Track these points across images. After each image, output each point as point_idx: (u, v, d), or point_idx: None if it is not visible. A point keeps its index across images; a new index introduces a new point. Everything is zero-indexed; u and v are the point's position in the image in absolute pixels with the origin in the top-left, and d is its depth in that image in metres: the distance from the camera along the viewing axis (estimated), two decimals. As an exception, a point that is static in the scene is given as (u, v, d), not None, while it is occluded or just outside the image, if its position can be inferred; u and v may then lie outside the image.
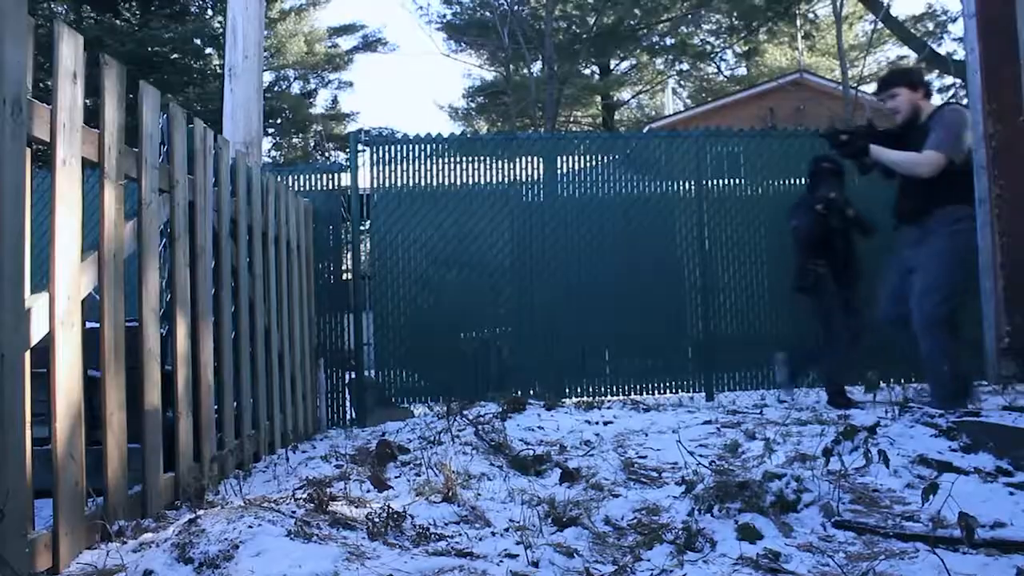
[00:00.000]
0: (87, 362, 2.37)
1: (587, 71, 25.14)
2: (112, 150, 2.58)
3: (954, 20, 19.66)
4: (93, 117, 2.43)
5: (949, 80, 19.67)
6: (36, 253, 2.16)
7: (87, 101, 2.44)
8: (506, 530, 2.41)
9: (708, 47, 25.80)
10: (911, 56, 19.83)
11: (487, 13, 23.20)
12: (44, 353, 2.18)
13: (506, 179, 6.58)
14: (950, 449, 3.15)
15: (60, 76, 2.27)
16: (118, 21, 16.84)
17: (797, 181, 6.62)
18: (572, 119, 25.95)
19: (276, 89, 23.80)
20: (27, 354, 2.05)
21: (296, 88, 25.72)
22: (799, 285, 5.79)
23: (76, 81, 2.35)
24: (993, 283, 5.20)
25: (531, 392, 6.09)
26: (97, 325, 2.52)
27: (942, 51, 17.96)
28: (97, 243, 2.53)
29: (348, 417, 6.19)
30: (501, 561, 2.12)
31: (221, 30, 14.96)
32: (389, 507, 2.45)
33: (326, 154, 25.00)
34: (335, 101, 27.52)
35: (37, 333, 2.12)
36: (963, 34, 4.98)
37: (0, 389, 1.91)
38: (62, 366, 2.22)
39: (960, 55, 15.87)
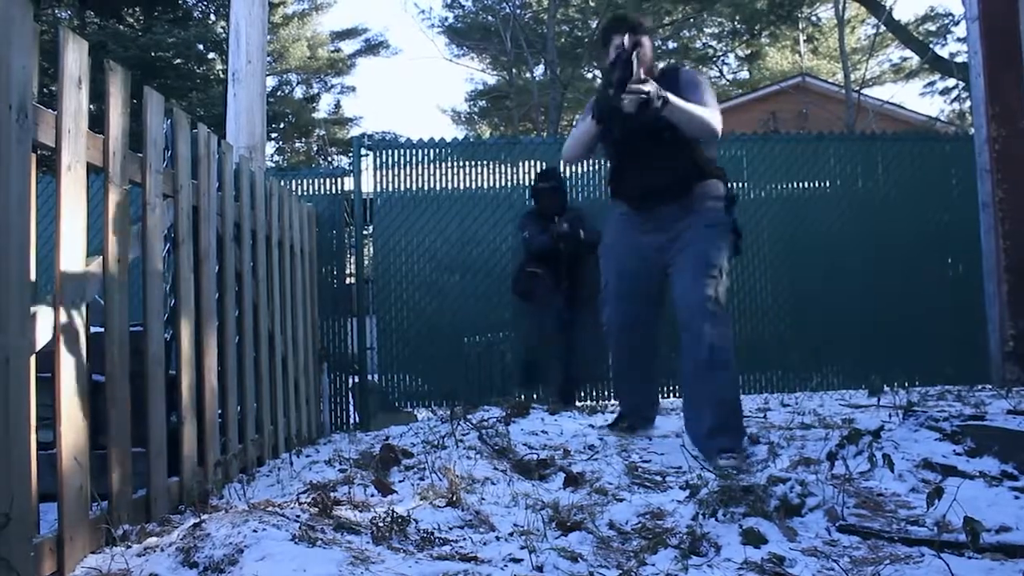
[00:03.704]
0: (91, 367, 2.38)
1: (589, 75, 25.15)
2: (116, 155, 2.59)
3: (956, 23, 19.64)
4: (97, 122, 2.43)
5: (951, 83, 19.70)
6: (41, 258, 2.16)
7: (91, 106, 2.45)
8: (510, 534, 2.41)
9: (710, 51, 25.85)
10: (913, 59, 19.84)
11: (489, 17, 23.26)
12: (49, 358, 2.18)
13: (509, 183, 6.60)
14: (955, 453, 3.14)
15: (65, 82, 2.28)
16: (121, 26, 16.86)
17: (800, 185, 6.63)
18: (574, 123, 25.97)
19: (279, 94, 23.84)
20: (32, 358, 2.05)
21: (299, 92, 25.78)
22: (515, 289, 5.93)
23: (81, 87, 2.36)
24: (997, 287, 5.20)
25: (535, 396, 6.09)
26: (102, 330, 2.52)
27: (944, 53, 17.95)
28: (101, 248, 2.53)
29: (351, 421, 6.20)
30: (505, 565, 2.12)
31: (224, 35, 15.01)
32: (393, 511, 2.45)
33: (329, 158, 25.04)
34: (338, 105, 27.61)
35: (42, 338, 2.13)
36: (966, 37, 4.98)
37: (5, 393, 1.91)
38: (67, 371, 2.23)
39: (962, 57, 15.89)
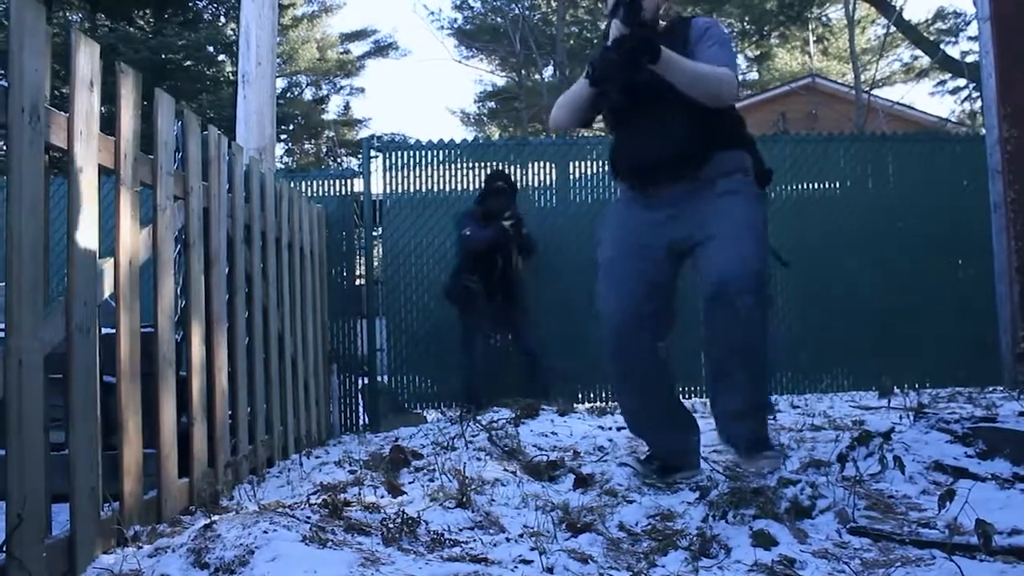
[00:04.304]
0: (103, 368, 2.39)
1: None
2: (128, 157, 2.60)
3: (968, 23, 19.57)
4: (108, 124, 2.44)
5: (961, 82, 19.62)
6: (53, 259, 2.18)
7: (103, 108, 2.46)
8: (520, 536, 2.41)
9: (720, 51, 25.72)
10: (924, 59, 19.76)
11: (498, 19, 23.26)
12: (60, 359, 2.19)
13: (518, 184, 6.59)
14: (966, 455, 3.13)
15: (77, 84, 2.29)
16: (132, 29, 16.93)
17: (809, 186, 6.61)
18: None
19: (288, 95, 23.89)
20: (44, 360, 2.06)
21: (308, 94, 25.83)
22: (448, 296, 6.02)
23: (93, 89, 2.37)
24: (1008, 288, 5.18)
25: (544, 398, 6.08)
26: (113, 331, 2.53)
27: (954, 53, 17.87)
28: (113, 249, 2.54)
29: (361, 423, 6.20)
30: (516, 567, 2.12)
31: (234, 37, 15.05)
32: (403, 512, 2.45)
33: (338, 160, 25.09)
34: (347, 107, 27.65)
35: (54, 339, 2.14)
36: (978, 37, 4.96)
37: (19, 394, 1.92)
38: (78, 372, 2.24)
39: (972, 57, 15.82)
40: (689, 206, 2.99)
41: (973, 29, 17.67)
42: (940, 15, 21.21)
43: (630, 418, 3.31)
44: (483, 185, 6.19)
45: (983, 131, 5.83)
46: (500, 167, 6.46)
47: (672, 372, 3.20)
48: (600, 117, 3.34)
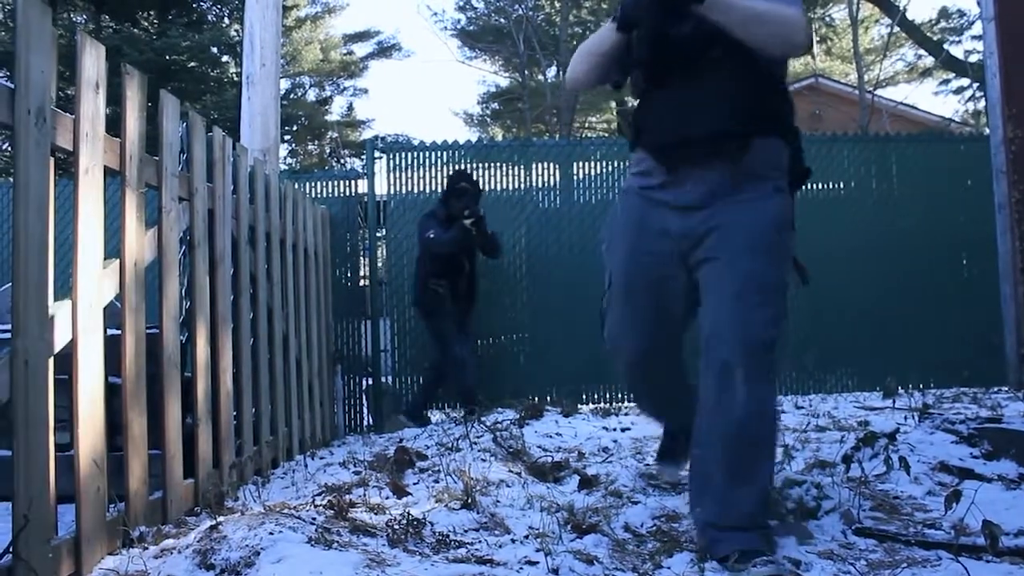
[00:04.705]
0: (108, 369, 2.39)
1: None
2: (133, 159, 2.60)
3: (971, 23, 19.54)
4: (113, 126, 2.45)
5: (965, 82, 19.59)
6: (58, 260, 2.18)
7: (108, 110, 2.46)
8: (526, 537, 2.41)
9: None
10: (927, 59, 19.73)
11: (502, 19, 23.26)
12: (66, 360, 2.20)
13: (522, 185, 6.60)
14: (971, 456, 3.13)
15: (83, 86, 2.29)
16: (136, 30, 16.96)
17: (813, 186, 6.59)
18: (587, 125, 25.94)
19: (292, 96, 23.92)
20: (51, 361, 2.07)
21: (312, 95, 25.84)
22: (419, 304, 5.90)
23: (98, 91, 2.37)
24: (1013, 288, 5.17)
25: (548, 398, 6.09)
26: (118, 332, 2.54)
27: (958, 53, 17.84)
28: (118, 251, 2.55)
29: (365, 423, 6.20)
30: (521, 568, 2.12)
31: (238, 38, 15.07)
32: (409, 514, 2.45)
33: (342, 161, 25.10)
34: (350, 108, 27.66)
35: (60, 340, 2.14)
36: (982, 37, 4.95)
37: (25, 395, 1.92)
38: (84, 373, 2.24)
39: (976, 57, 15.80)
40: (708, 210, 2.36)
41: (977, 29, 17.64)
42: (944, 15, 21.17)
43: (648, 406, 3.02)
44: (449, 183, 5.98)
45: (987, 131, 5.82)
46: (465, 167, 6.39)
47: (686, 385, 2.62)
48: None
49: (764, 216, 2.36)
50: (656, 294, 2.48)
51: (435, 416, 6.08)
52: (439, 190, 6.37)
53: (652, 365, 2.60)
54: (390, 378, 6.41)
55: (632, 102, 2.69)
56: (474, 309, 5.98)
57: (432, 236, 5.69)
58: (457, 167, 6.37)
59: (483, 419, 4.78)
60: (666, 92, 2.45)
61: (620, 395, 6.35)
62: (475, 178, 6.08)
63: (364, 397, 6.29)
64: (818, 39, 24.14)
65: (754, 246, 2.32)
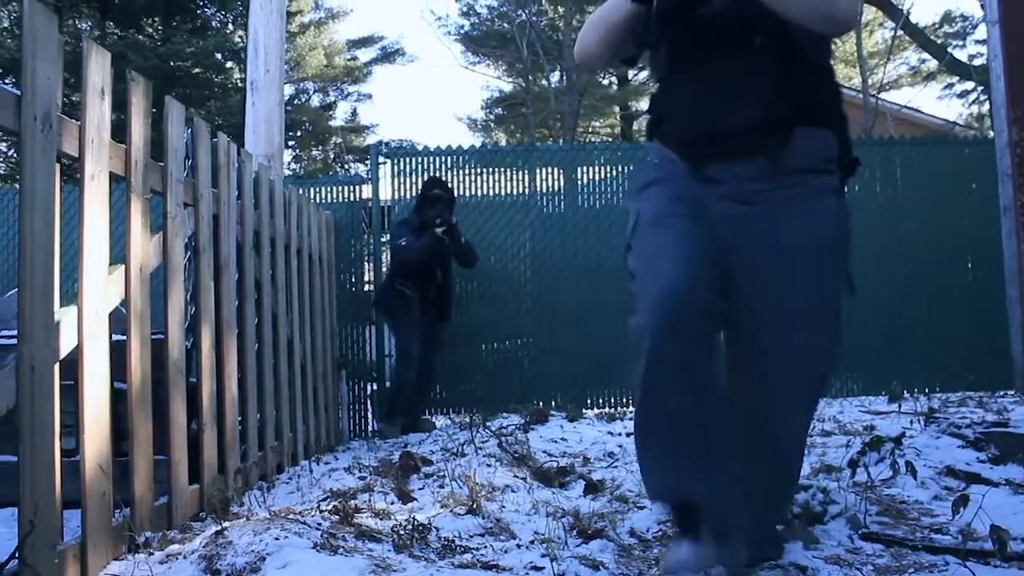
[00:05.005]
0: (114, 374, 2.39)
1: (605, 81, 25.11)
2: (139, 165, 2.61)
3: (975, 26, 19.53)
4: (118, 132, 2.45)
5: (969, 85, 19.57)
6: (64, 266, 2.18)
7: (113, 116, 2.46)
8: (531, 542, 2.40)
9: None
10: (931, 62, 19.71)
11: (505, 24, 23.27)
12: (72, 365, 2.20)
13: (526, 190, 6.59)
14: (978, 460, 3.12)
15: (89, 92, 2.30)
16: (141, 37, 16.99)
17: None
18: (591, 130, 25.94)
19: (296, 102, 23.93)
20: (56, 366, 2.07)
21: (316, 101, 25.85)
22: (380, 305, 5.78)
23: (104, 97, 2.38)
24: (1018, 291, 5.16)
25: (553, 404, 6.09)
26: (123, 338, 2.54)
27: (962, 56, 17.83)
28: (124, 256, 2.55)
29: (370, 429, 6.20)
30: (527, 574, 2.12)
31: (242, 44, 15.11)
32: (414, 519, 2.45)
33: (346, 166, 25.11)
34: (354, 113, 27.64)
35: (66, 346, 2.15)
36: (986, 40, 4.95)
37: (31, 401, 1.93)
38: (90, 378, 2.24)
39: (981, 60, 15.78)
40: (752, 207, 1.99)
41: (981, 32, 17.64)
42: (948, 18, 21.13)
43: (659, 436, 1.92)
44: (421, 191, 5.84)
45: (992, 134, 5.81)
46: (437, 174, 6.35)
47: (715, 386, 1.96)
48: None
49: (821, 228, 2.03)
50: (694, 227, 1.96)
51: (439, 421, 6.08)
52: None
53: (687, 325, 1.81)
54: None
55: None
56: (447, 323, 5.84)
57: (403, 243, 5.53)
58: (434, 174, 6.33)
59: (488, 424, 4.78)
60: (692, 76, 2.07)
61: (625, 400, 6.34)
62: (449, 185, 5.99)
63: (369, 402, 6.29)
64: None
65: (808, 272, 2.00)
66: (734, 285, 1.97)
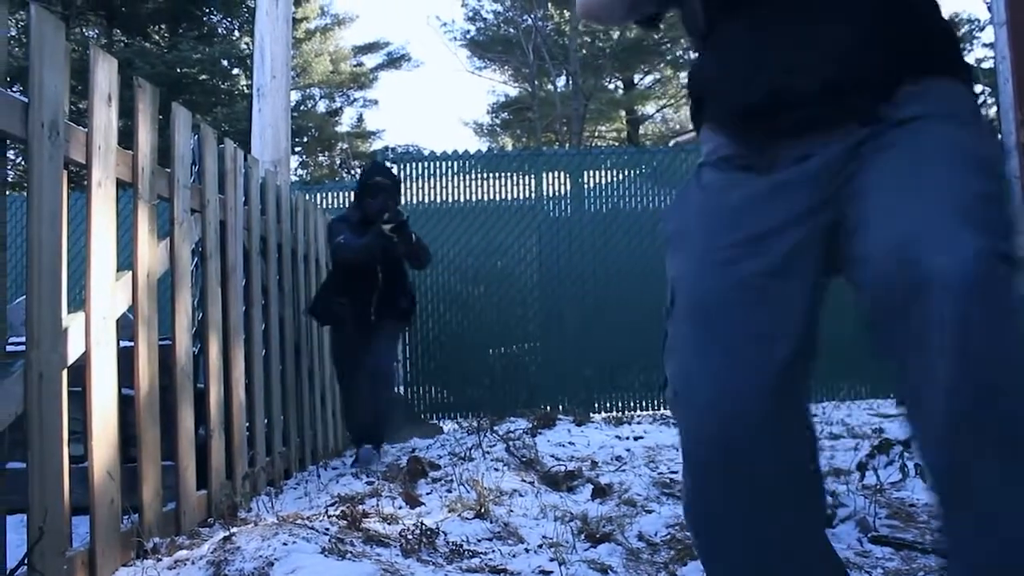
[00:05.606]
0: (121, 381, 2.40)
1: (611, 86, 25.14)
2: (145, 171, 2.61)
3: (982, 28, 19.48)
4: (125, 138, 2.46)
5: (977, 88, 19.55)
6: (72, 273, 2.19)
7: (120, 123, 2.47)
8: (539, 546, 2.40)
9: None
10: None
11: (511, 29, 23.30)
12: (80, 372, 2.20)
13: (532, 194, 6.61)
14: (988, 463, 3.10)
15: (95, 99, 2.31)
16: (148, 44, 17.08)
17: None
18: (597, 134, 25.96)
19: (302, 108, 24.02)
20: (64, 373, 2.07)
21: (322, 107, 25.96)
22: (312, 314, 4.65)
23: (111, 104, 2.38)
24: (1028, 293, 5.13)
25: (560, 408, 6.09)
26: (131, 344, 2.54)
27: (969, 59, 17.78)
28: (131, 263, 2.56)
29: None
30: (535, 578, 2.11)
31: (248, 51, 15.14)
32: (422, 524, 2.45)
33: (352, 172, 25.16)
34: (360, 119, 27.77)
35: (74, 352, 2.15)
36: (993, 43, 4.93)
37: (39, 408, 1.93)
38: (98, 385, 2.24)
39: (988, 63, 15.74)
40: (858, 162, 1.25)
41: (988, 35, 17.59)
42: (954, 21, 21.13)
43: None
44: (362, 179, 4.87)
45: (999, 137, 5.79)
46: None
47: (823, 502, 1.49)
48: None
49: (961, 140, 1.23)
50: (752, 305, 1.30)
51: (447, 426, 6.08)
52: (449, 200, 6.38)
53: (749, 445, 1.24)
54: (402, 388, 6.40)
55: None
56: (401, 330, 5.07)
57: (341, 241, 4.50)
58: (376, 160, 6.09)
59: (495, 428, 4.77)
60: (743, 26, 1.35)
61: (632, 404, 6.34)
62: (394, 171, 5.15)
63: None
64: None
65: (938, 144, 1.22)
66: (857, 197, 1.24)
